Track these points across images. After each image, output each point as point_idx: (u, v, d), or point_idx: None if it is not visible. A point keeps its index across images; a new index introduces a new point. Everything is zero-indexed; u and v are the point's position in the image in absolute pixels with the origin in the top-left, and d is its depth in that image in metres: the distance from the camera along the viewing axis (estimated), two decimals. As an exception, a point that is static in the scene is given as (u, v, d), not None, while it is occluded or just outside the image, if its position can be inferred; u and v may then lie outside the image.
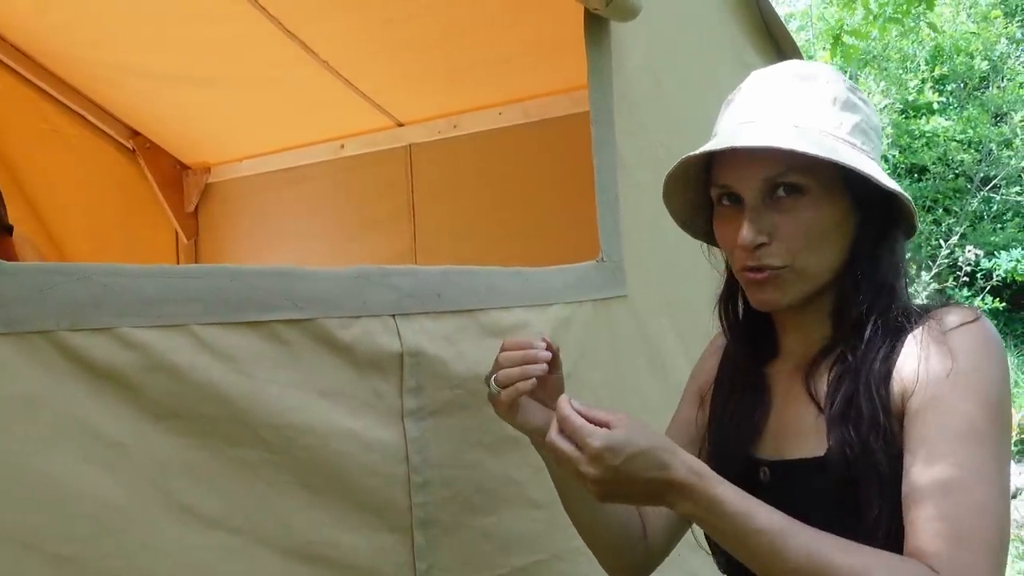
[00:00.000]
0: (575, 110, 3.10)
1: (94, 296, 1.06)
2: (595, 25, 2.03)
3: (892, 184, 1.20)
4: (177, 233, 4.24)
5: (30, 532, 1.00)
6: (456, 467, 1.53)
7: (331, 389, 1.32)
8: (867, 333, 1.24)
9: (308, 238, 3.93)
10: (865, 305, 1.25)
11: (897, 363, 1.20)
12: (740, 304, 1.45)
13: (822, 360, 1.30)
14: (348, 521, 1.34)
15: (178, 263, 4.15)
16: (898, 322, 1.23)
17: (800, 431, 1.31)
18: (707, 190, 1.35)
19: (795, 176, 1.22)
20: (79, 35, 3.29)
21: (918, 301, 1.31)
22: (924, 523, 1.11)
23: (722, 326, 1.47)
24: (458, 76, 3.30)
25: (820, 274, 1.26)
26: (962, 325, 1.18)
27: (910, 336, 1.21)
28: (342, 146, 3.80)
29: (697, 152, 1.28)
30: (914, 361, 1.19)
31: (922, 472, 1.13)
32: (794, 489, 1.27)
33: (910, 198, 1.23)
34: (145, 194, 4.14)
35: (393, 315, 1.43)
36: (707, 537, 1.36)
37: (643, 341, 2.11)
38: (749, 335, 1.44)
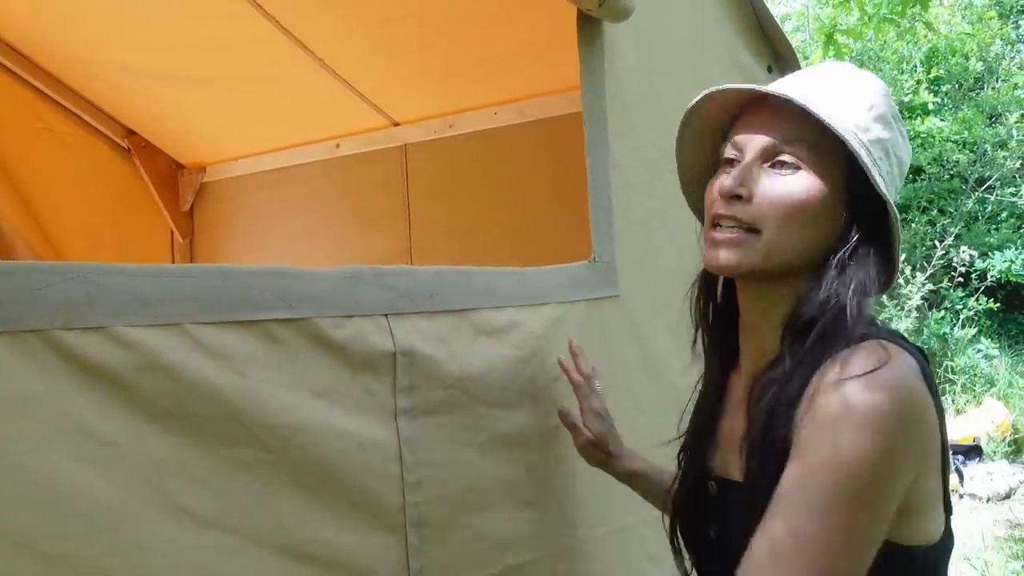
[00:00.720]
0: (571, 110, 3.10)
1: (88, 295, 1.07)
2: (588, 26, 2.04)
3: (887, 193, 1.19)
4: (172, 232, 4.24)
5: (24, 531, 1.00)
6: (449, 466, 1.53)
7: (324, 388, 1.33)
8: (804, 348, 1.19)
9: (303, 237, 3.93)
10: (815, 317, 1.19)
11: (806, 391, 1.15)
12: (711, 304, 1.44)
13: (767, 371, 1.25)
14: (342, 520, 1.35)
15: (173, 262, 4.15)
16: (831, 343, 1.17)
17: (736, 448, 1.27)
18: (718, 154, 1.33)
19: (799, 148, 1.21)
20: (74, 34, 3.28)
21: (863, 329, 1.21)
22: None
23: (694, 318, 1.45)
24: (454, 76, 3.30)
25: (782, 254, 1.22)
26: (862, 375, 1.08)
27: (821, 368, 1.15)
28: (338, 145, 3.80)
29: (721, 88, 1.27)
30: (808, 399, 1.14)
31: (764, 523, 1.10)
32: (730, 509, 1.27)
33: (897, 219, 1.20)
34: (140, 193, 4.14)
35: (386, 315, 1.43)
36: (671, 539, 1.37)
37: (635, 341, 2.11)
38: (720, 337, 1.43)
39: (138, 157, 4.06)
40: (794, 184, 1.20)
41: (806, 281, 1.23)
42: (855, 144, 1.18)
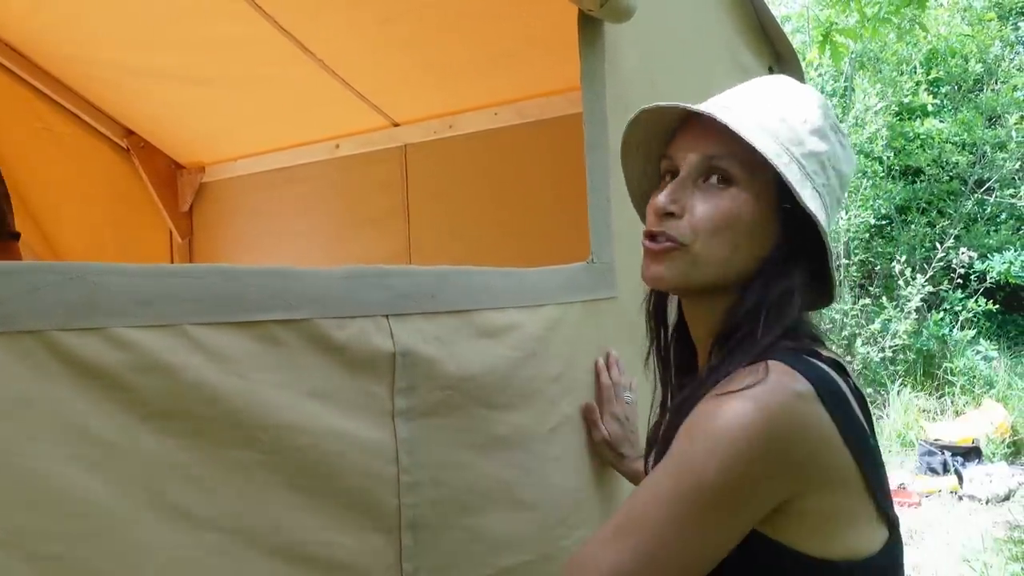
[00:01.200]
0: (571, 111, 3.10)
1: (86, 296, 1.06)
2: (589, 26, 2.03)
3: (817, 212, 1.19)
4: (171, 233, 4.24)
5: (17, 532, 0.99)
6: (446, 468, 1.53)
7: (323, 390, 1.32)
8: (716, 361, 1.23)
9: (303, 238, 3.92)
10: (734, 327, 1.23)
11: None
12: (662, 320, 1.49)
13: (690, 383, 1.30)
14: (338, 521, 1.34)
15: (172, 262, 4.15)
16: (738, 356, 1.20)
17: None
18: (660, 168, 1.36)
19: (730, 163, 1.23)
20: (73, 33, 3.28)
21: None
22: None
23: (648, 332, 1.50)
24: (454, 76, 3.30)
25: (712, 267, 1.24)
26: (734, 392, 1.12)
27: (722, 382, 1.18)
28: (337, 146, 3.80)
29: (650, 106, 1.29)
30: None
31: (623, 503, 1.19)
32: None
33: (827, 237, 1.22)
34: (139, 193, 4.14)
35: (387, 315, 1.42)
36: None
37: (633, 343, 2.10)
38: (678, 343, 1.46)
39: (137, 157, 4.05)
40: (725, 200, 1.23)
41: (739, 295, 1.25)
42: (782, 161, 1.19)
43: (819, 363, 1.18)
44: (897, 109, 11.74)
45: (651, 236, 1.29)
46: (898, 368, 9.99)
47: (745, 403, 1.10)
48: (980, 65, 12.25)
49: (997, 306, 10.74)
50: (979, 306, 10.48)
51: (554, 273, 1.84)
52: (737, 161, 1.22)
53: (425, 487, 1.47)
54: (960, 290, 10.78)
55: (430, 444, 1.49)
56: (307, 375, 1.30)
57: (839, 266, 10.12)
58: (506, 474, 1.64)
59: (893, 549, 1.21)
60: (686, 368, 1.44)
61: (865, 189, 11.21)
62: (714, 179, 1.24)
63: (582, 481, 1.85)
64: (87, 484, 1.05)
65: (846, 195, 1.35)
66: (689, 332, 1.41)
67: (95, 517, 1.05)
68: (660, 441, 1.31)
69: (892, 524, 1.22)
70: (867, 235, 11.28)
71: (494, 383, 1.61)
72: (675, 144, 1.31)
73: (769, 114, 1.25)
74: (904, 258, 10.40)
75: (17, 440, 1.00)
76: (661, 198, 1.26)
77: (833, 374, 1.18)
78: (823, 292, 1.29)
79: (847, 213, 10.66)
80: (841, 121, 11.28)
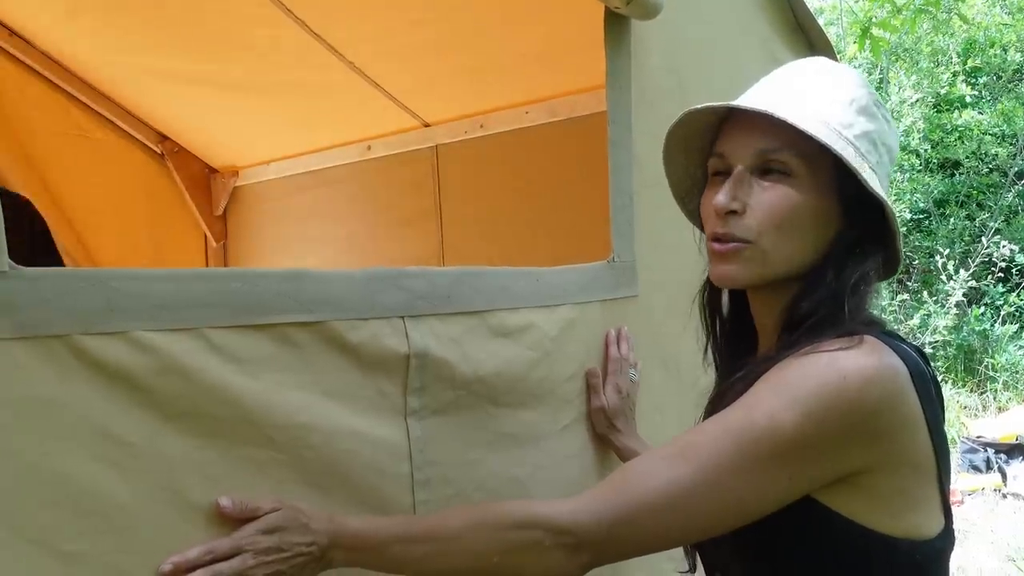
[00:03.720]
0: (602, 108, 3.09)
1: (108, 301, 1.09)
2: (615, 24, 2.03)
3: (880, 192, 1.19)
4: (206, 236, 4.29)
5: (42, 530, 1.02)
6: (458, 465, 1.55)
7: (338, 390, 1.34)
8: (793, 336, 1.22)
9: (336, 240, 3.94)
10: (810, 313, 1.22)
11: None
12: (718, 313, 1.47)
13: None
14: (352, 518, 1.36)
15: (207, 266, 4.19)
16: (820, 334, 1.19)
17: None
18: (708, 163, 1.35)
19: (786, 155, 1.22)
20: (106, 40, 3.33)
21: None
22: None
23: (703, 325, 1.48)
24: (484, 75, 3.30)
25: (782, 262, 1.24)
26: (835, 351, 1.13)
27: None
28: (369, 147, 3.82)
29: (700, 107, 1.29)
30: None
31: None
32: None
33: (896, 217, 1.21)
34: (174, 198, 4.18)
35: (402, 316, 1.44)
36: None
37: (655, 342, 2.10)
38: (733, 334, 1.45)
39: (171, 162, 4.10)
40: (785, 192, 1.22)
41: (808, 282, 1.24)
42: (840, 146, 1.19)
43: (906, 346, 1.19)
44: (934, 101, 11.60)
45: (717, 238, 1.27)
46: (938, 364, 9.85)
47: (840, 362, 1.11)
48: (1020, 55, 12.07)
49: (1039, 300, 10.58)
50: (1021, 300, 10.33)
51: (572, 272, 1.85)
52: (793, 152, 1.21)
53: (437, 484, 1.49)
54: (1001, 284, 10.61)
55: (442, 442, 1.51)
56: (322, 376, 1.32)
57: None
58: (518, 471, 1.66)
59: (948, 535, 1.21)
60: (742, 357, 1.42)
61: (902, 182, 11.09)
62: (770, 172, 1.24)
63: (595, 478, 1.85)
64: (110, 483, 1.08)
65: (892, 168, 1.34)
66: (743, 322, 1.41)
67: (117, 515, 1.09)
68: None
69: (948, 512, 1.22)
70: (904, 229, 11.15)
71: (507, 383, 1.63)
72: (724, 141, 1.30)
73: (817, 99, 1.24)
74: (944, 252, 10.27)
75: (44, 441, 1.03)
76: (721, 197, 1.24)
77: (919, 359, 1.19)
78: (889, 266, 1.28)
79: (884, 207, 10.52)
80: (878, 112, 11.16)
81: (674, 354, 2.17)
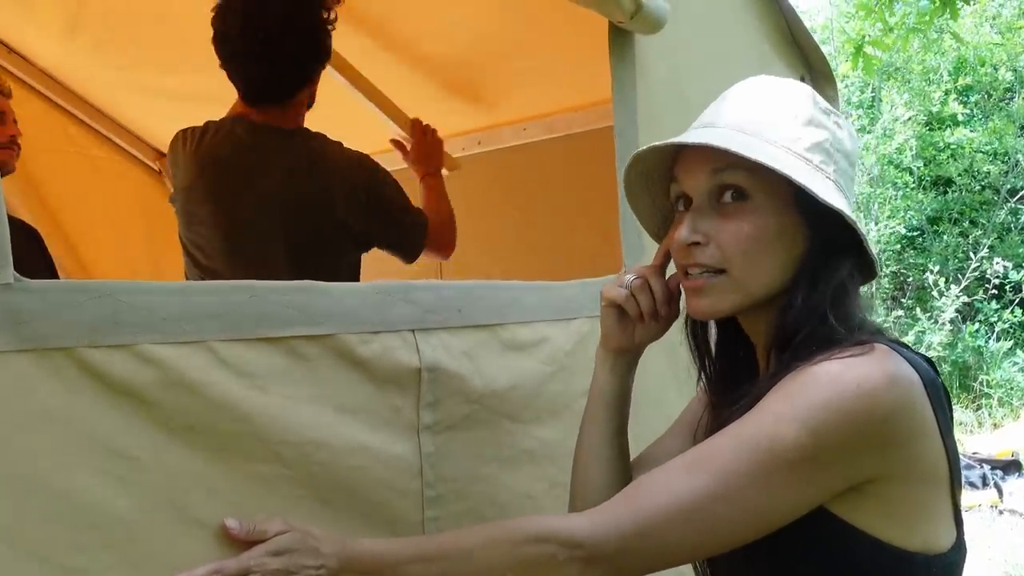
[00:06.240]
0: (600, 124, 3.09)
1: (114, 313, 1.08)
2: (619, 38, 2.02)
3: (834, 202, 1.18)
4: (203, 253, 4.25)
5: (43, 544, 1.01)
6: (470, 481, 1.53)
7: (349, 405, 1.33)
8: (786, 353, 1.21)
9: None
10: (793, 330, 1.20)
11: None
12: (705, 343, 1.45)
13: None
14: (360, 535, 1.33)
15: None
16: (815, 347, 1.17)
17: None
18: (670, 189, 1.34)
19: (737, 177, 1.21)
20: (105, 58, 3.32)
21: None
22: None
23: (692, 356, 1.46)
24: (482, 92, 3.30)
25: (759, 287, 1.23)
26: (846, 358, 1.11)
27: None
28: (366, 164, 3.79)
29: (645, 148, 1.29)
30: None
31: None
32: None
33: (856, 221, 1.19)
34: (171, 215, 4.15)
35: (413, 330, 1.42)
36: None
37: (666, 354, 2.08)
38: (729, 360, 1.43)
39: (169, 179, 4.08)
40: (746, 217, 1.21)
41: (785, 301, 1.23)
42: (788, 163, 1.18)
43: (916, 355, 1.18)
44: (926, 119, 11.65)
45: (686, 271, 1.27)
46: (934, 380, 9.85)
47: (853, 370, 1.10)
48: (1011, 73, 12.13)
49: (1032, 316, 10.60)
50: (1015, 317, 10.35)
51: (584, 286, 1.83)
52: (744, 171, 1.20)
53: (449, 500, 1.48)
54: (995, 300, 10.64)
55: (455, 458, 1.49)
56: (331, 390, 1.30)
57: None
58: (530, 488, 1.64)
59: (961, 548, 1.20)
60: (737, 383, 1.40)
61: (895, 200, 11.12)
62: (728, 196, 1.22)
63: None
64: (113, 498, 1.07)
65: (858, 168, 1.32)
66: (738, 343, 1.40)
67: (120, 530, 1.07)
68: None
69: (959, 524, 1.20)
70: (898, 246, 11.18)
71: (521, 397, 1.61)
72: (679, 166, 1.30)
73: (759, 119, 1.24)
74: (937, 269, 10.29)
75: (47, 454, 1.02)
76: (683, 232, 1.24)
77: (928, 367, 1.18)
78: (866, 268, 1.26)
79: (876, 224, 10.58)
80: (868, 132, 11.22)
81: (685, 366, 2.16)
